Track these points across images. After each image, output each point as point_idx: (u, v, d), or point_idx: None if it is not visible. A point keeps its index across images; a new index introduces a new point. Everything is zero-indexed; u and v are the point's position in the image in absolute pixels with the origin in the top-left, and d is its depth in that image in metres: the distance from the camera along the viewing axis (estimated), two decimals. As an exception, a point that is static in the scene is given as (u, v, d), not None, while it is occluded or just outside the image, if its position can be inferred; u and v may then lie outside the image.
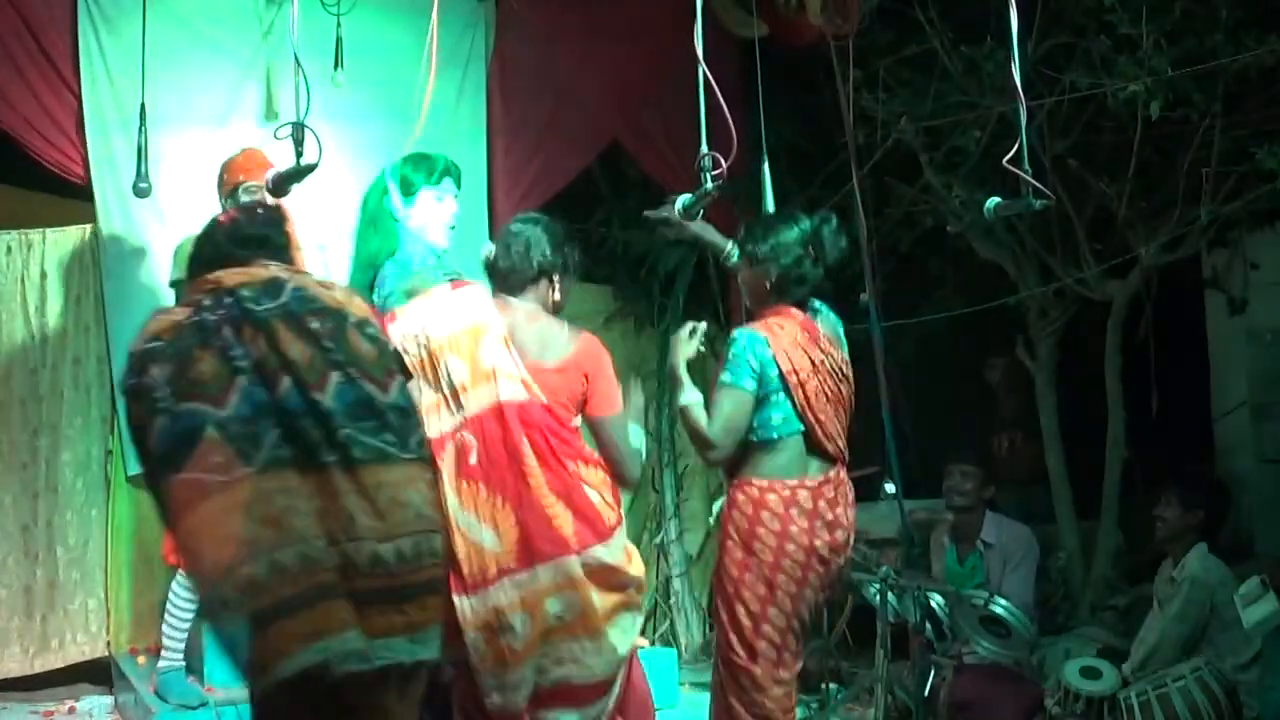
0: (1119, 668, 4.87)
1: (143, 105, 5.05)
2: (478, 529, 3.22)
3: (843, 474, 3.92)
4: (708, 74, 3.39)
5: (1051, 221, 5.89)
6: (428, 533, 2.74)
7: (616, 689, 3.37)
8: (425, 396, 3.26)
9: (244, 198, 4.86)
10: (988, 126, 5.67)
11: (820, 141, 6.44)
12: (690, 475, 6.69)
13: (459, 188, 4.24)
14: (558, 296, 3.55)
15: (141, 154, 5.02)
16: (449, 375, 3.28)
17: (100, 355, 5.52)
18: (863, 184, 5.52)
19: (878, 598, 4.64)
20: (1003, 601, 4.73)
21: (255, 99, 5.65)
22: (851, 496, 3.95)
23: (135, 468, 5.46)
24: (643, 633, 6.05)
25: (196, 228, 4.92)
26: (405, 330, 3.32)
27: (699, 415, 3.71)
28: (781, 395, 3.75)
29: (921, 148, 5.99)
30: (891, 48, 5.98)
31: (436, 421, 3.26)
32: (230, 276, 2.79)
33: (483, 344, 3.31)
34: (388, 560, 2.63)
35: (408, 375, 2.96)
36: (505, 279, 3.51)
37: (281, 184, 3.80)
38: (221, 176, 4.96)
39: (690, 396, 3.73)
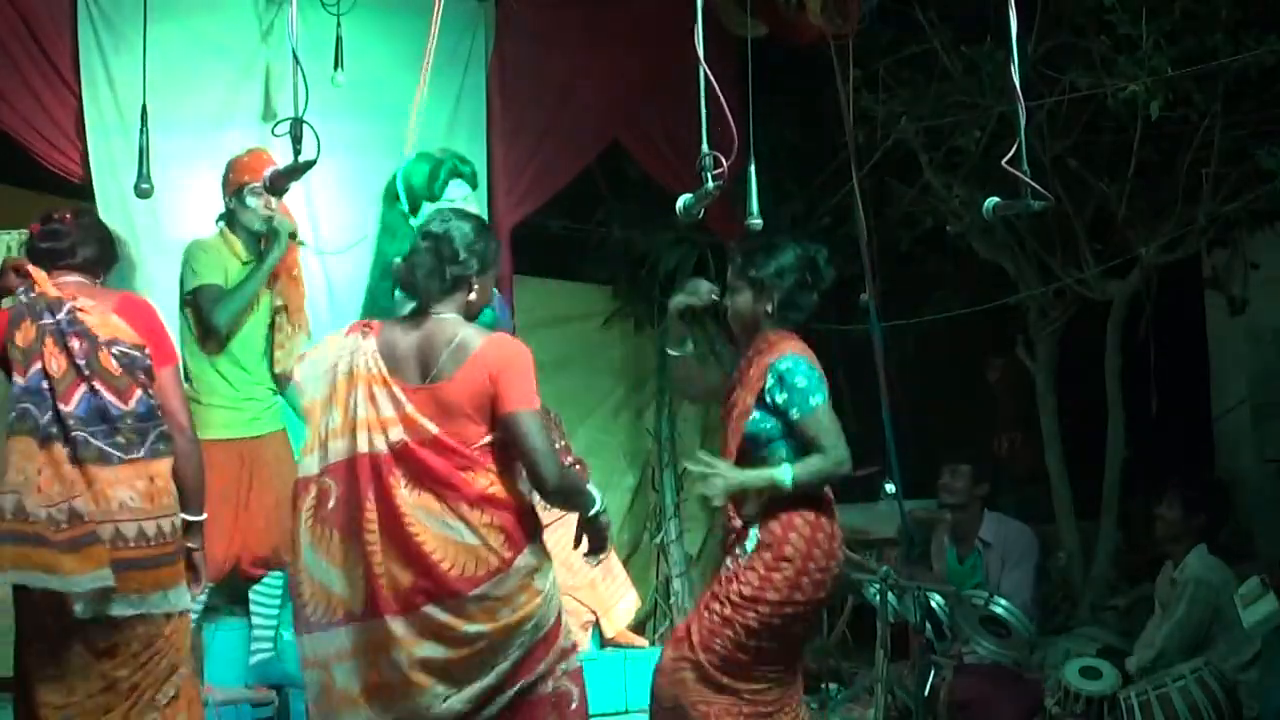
0: (1119, 668, 4.87)
1: (144, 106, 5.04)
2: (325, 572, 3.28)
3: None
4: (709, 74, 3.38)
5: (1051, 221, 5.89)
6: (133, 520, 3.49)
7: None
8: (306, 438, 3.37)
9: (249, 199, 4.86)
10: (988, 126, 5.67)
11: (820, 141, 6.44)
12: (690, 475, 6.69)
13: (473, 185, 4.19)
14: (473, 297, 3.43)
15: (143, 155, 5.02)
16: (325, 422, 3.34)
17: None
18: (863, 184, 5.52)
19: (878, 598, 4.64)
20: (1003, 601, 4.73)
21: (255, 99, 5.64)
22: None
23: None
24: (641, 632, 6.06)
25: (194, 231, 5.04)
26: (305, 375, 3.41)
27: (813, 467, 3.61)
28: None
29: (921, 148, 6.00)
30: (891, 48, 5.99)
31: (307, 462, 3.35)
32: (40, 281, 3.61)
33: (356, 393, 3.30)
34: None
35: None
36: (419, 293, 3.42)
37: (279, 181, 3.80)
38: (227, 176, 4.95)
39: (787, 470, 3.60)
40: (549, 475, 3.29)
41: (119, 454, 3.50)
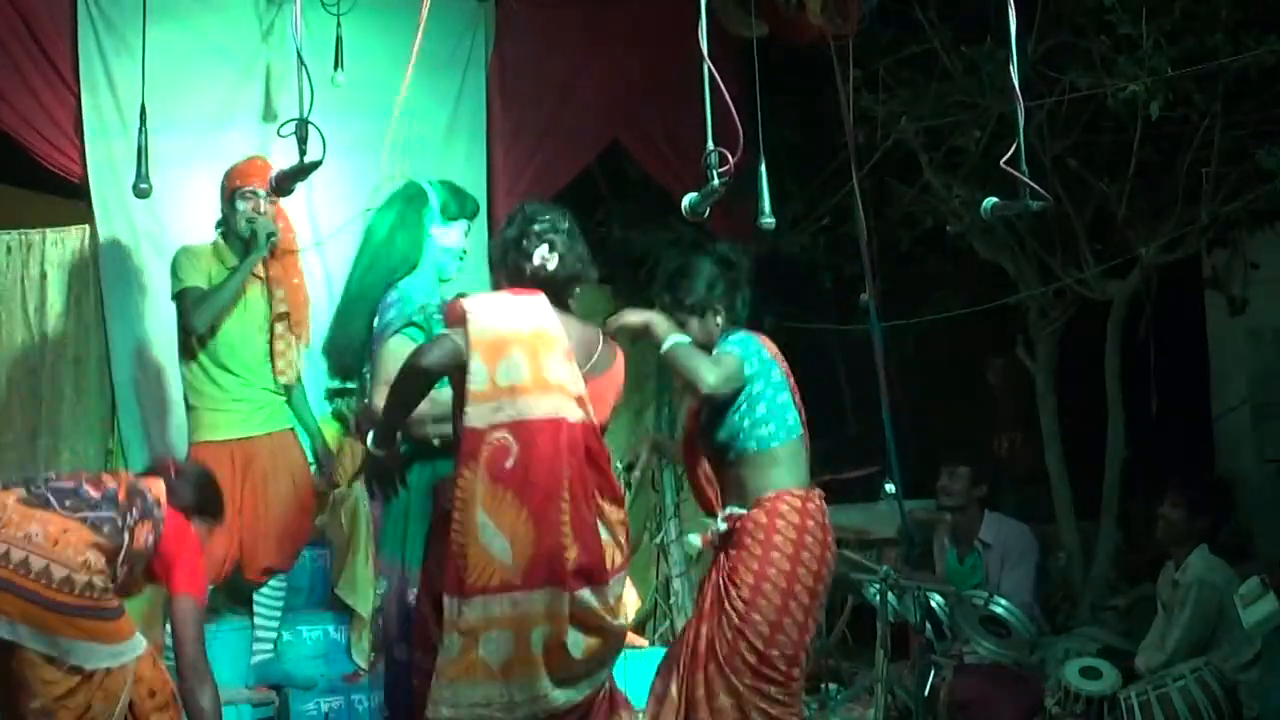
0: (1119, 668, 4.87)
1: (143, 106, 5.04)
2: (492, 534, 3.11)
3: None
4: (714, 71, 3.37)
5: (1051, 221, 5.89)
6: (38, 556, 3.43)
7: None
8: (475, 381, 3.15)
9: (239, 203, 4.87)
10: (988, 126, 5.67)
11: (820, 141, 6.44)
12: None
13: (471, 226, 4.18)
14: (572, 300, 3.48)
15: (142, 155, 5.01)
16: (509, 370, 3.16)
17: (100, 355, 5.51)
18: (863, 184, 5.52)
19: (878, 598, 4.64)
20: (1003, 601, 4.73)
21: (255, 100, 5.64)
22: None
23: (133, 468, 5.48)
24: (642, 632, 6.06)
25: (194, 231, 5.04)
26: (477, 318, 3.20)
27: (695, 353, 3.65)
28: (788, 396, 3.77)
29: (921, 148, 5.99)
30: (891, 48, 5.99)
31: (480, 412, 3.14)
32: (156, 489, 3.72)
33: (551, 353, 3.20)
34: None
35: None
36: (555, 284, 3.38)
37: (284, 182, 3.79)
38: (222, 185, 4.98)
39: (679, 336, 3.66)
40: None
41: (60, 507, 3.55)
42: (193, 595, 3.71)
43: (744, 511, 3.68)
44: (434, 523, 3.45)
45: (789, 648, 3.61)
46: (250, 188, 4.83)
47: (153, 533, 3.64)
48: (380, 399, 3.52)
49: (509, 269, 3.44)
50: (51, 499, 3.54)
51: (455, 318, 3.25)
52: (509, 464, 3.13)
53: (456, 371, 3.19)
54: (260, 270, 4.96)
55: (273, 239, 4.89)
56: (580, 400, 3.22)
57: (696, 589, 4.05)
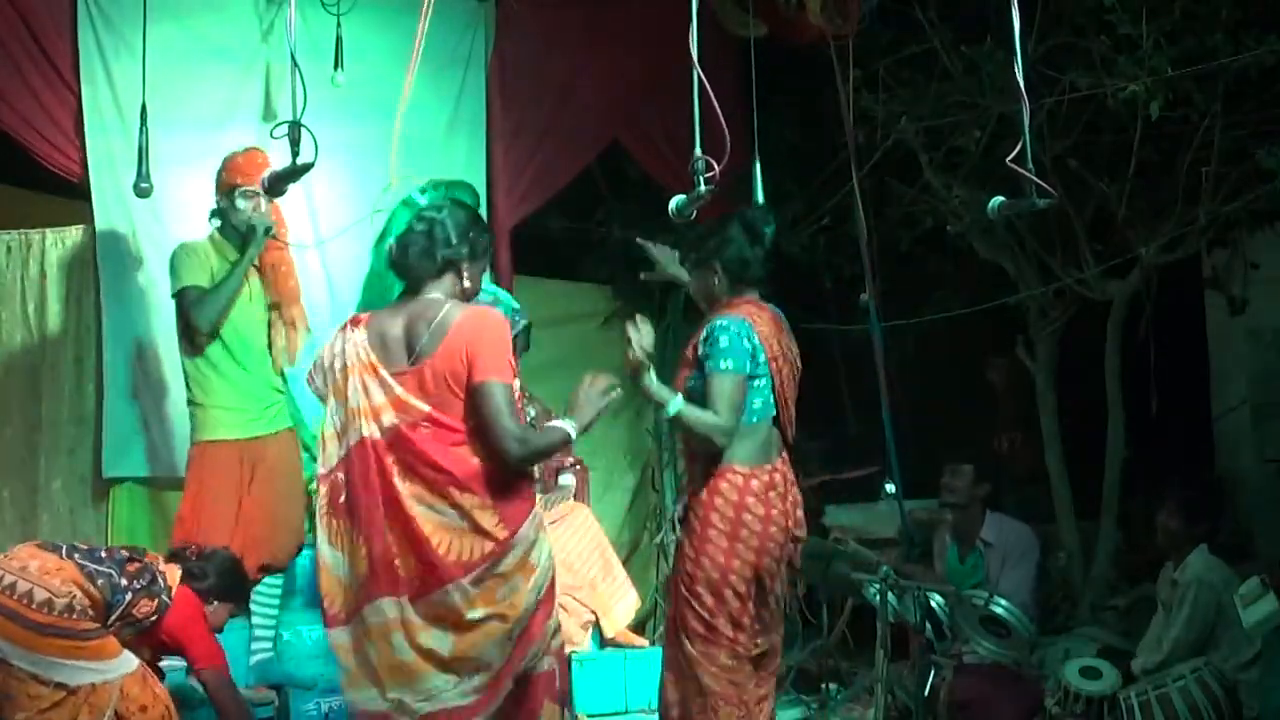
0: (1119, 668, 4.87)
1: (144, 105, 5.04)
2: (339, 564, 3.35)
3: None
4: (702, 77, 3.39)
5: (1051, 221, 5.89)
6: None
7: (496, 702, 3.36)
8: (323, 437, 3.43)
9: (239, 201, 4.85)
10: (988, 126, 5.67)
11: (820, 141, 6.44)
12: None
13: None
14: (466, 284, 3.51)
15: (142, 154, 5.02)
16: (334, 420, 3.40)
17: (101, 355, 5.51)
18: (863, 184, 5.52)
19: (878, 598, 4.64)
20: (1003, 601, 4.73)
21: (254, 99, 5.64)
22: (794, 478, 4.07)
23: (113, 468, 5.47)
24: (641, 632, 6.06)
25: (195, 230, 5.04)
26: (316, 378, 3.48)
27: (697, 413, 3.73)
28: (764, 381, 3.85)
29: (921, 148, 5.99)
30: (891, 48, 5.99)
31: (324, 460, 3.40)
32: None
33: (349, 384, 3.36)
34: None
35: None
36: (408, 274, 3.48)
37: (277, 183, 3.79)
38: (220, 175, 4.94)
39: (678, 402, 3.73)
40: (509, 450, 3.30)
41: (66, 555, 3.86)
42: (215, 668, 4.02)
43: (696, 489, 3.84)
44: None
45: (732, 616, 3.74)
46: (253, 187, 4.81)
47: (155, 613, 3.91)
48: None
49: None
50: (64, 549, 3.88)
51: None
52: (342, 499, 3.36)
53: None
54: (256, 263, 4.94)
55: (270, 233, 4.88)
56: (394, 404, 3.32)
57: None
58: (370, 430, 3.32)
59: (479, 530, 3.28)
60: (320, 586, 3.38)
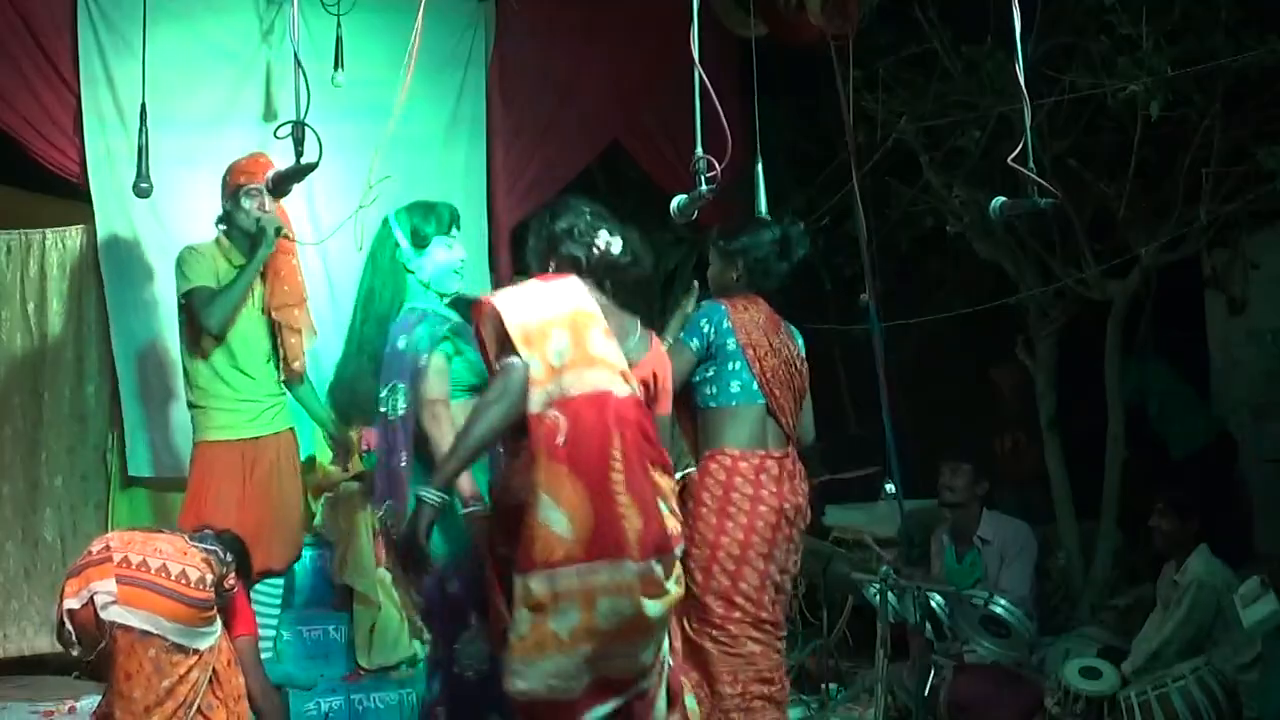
0: (1119, 668, 4.87)
1: (144, 105, 5.04)
2: (551, 510, 3.14)
3: (795, 453, 4.20)
4: (704, 77, 3.39)
5: (1051, 221, 5.88)
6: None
7: (655, 675, 3.32)
8: (534, 370, 3.19)
9: (244, 201, 4.84)
10: (988, 126, 5.67)
11: (820, 141, 6.44)
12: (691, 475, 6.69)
13: (460, 230, 4.07)
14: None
15: (143, 154, 5.01)
16: (555, 351, 3.20)
17: (101, 355, 5.52)
18: (863, 184, 5.52)
19: (878, 598, 4.64)
20: (1002, 601, 4.73)
21: (255, 99, 5.65)
22: (804, 472, 4.22)
23: (135, 468, 5.49)
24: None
25: (195, 231, 5.04)
26: (510, 313, 3.23)
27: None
28: (740, 365, 4.05)
29: (921, 148, 5.99)
30: (891, 48, 5.99)
31: (537, 397, 3.18)
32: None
33: (589, 330, 3.25)
34: None
35: None
36: (616, 270, 3.45)
37: (281, 183, 3.80)
38: (225, 180, 4.94)
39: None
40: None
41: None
42: (252, 635, 4.36)
43: (691, 470, 4.03)
44: (497, 509, 3.42)
45: (722, 593, 3.94)
46: (256, 185, 4.80)
47: (235, 584, 4.24)
48: (433, 418, 3.57)
49: (561, 259, 3.47)
50: (164, 531, 4.20)
51: (487, 315, 3.30)
52: (560, 441, 3.16)
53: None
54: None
55: (280, 232, 4.87)
56: (625, 375, 3.28)
57: None
58: (620, 388, 3.23)
59: (673, 513, 3.33)
60: (527, 529, 3.14)
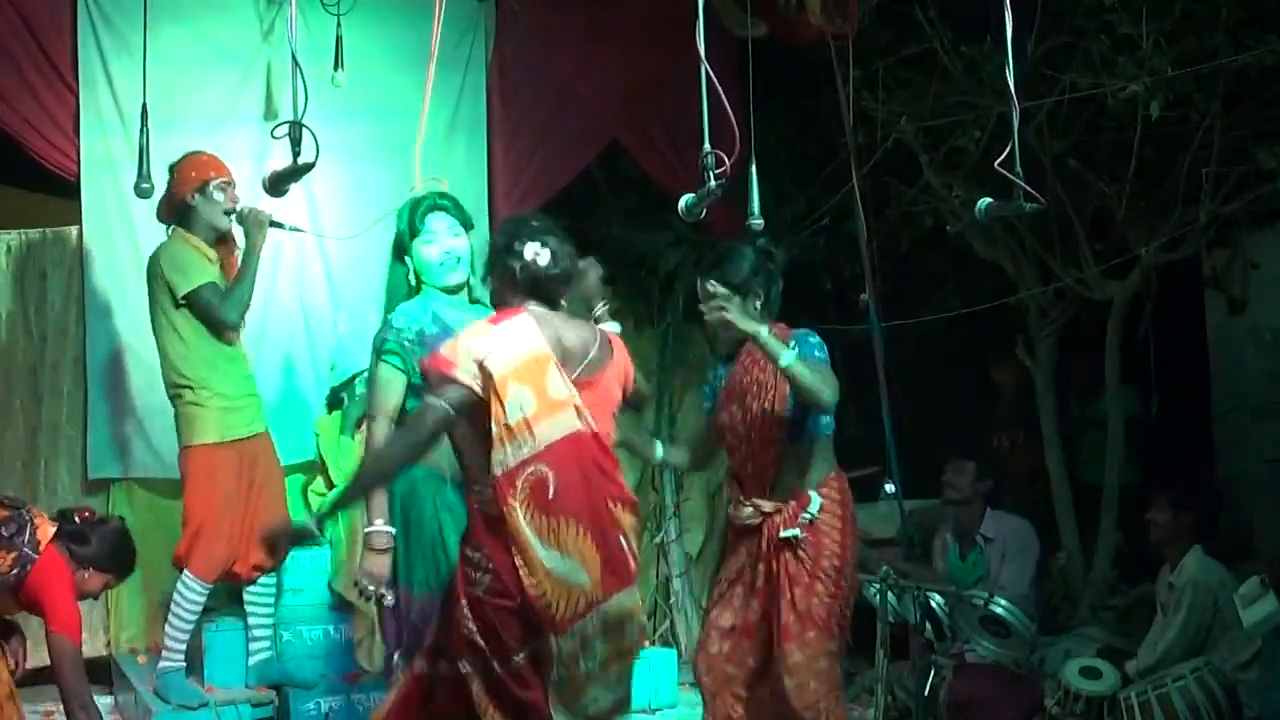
0: (1119, 668, 4.87)
1: (144, 105, 5.04)
2: (566, 565, 3.13)
3: None
4: (711, 73, 3.38)
5: (1051, 221, 5.88)
6: None
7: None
8: (492, 428, 3.15)
9: (216, 194, 4.81)
10: (988, 127, 5.66)
11: (820, 141, 6.44)
12: (690, 475, 6.69)
13: (459, 219, 4.02)
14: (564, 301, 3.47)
15: (143, 154, 5.01)
16: (518, 406, 3.14)
17: (98, 355, 5.51)
18: (863, 184, 5.52)
19: (878, 598, 4.64)
20: (1003, 601, 4.73)
21: (255, 99, 5.65)
22: None
23: (96, 469, 5.47)
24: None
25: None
26: (460, 360, 3.17)
27: (810, 371, 3.77)
28: None
29: (921, 148, 5.99)
30: (891, 48, 5.98)
31: (506, 454, 3.14)
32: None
33: (547, 372, 3.19)
34: None
35: None
36: (548, 283, 3.35)
37: (278, 183, 3.79)
38: (185, 174, 4.82)
39: (789, 354, 3.72)
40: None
41: None
42: (64, 636, 3.89)
43: (809, 494, 3.91)
44: (470, 529, 3.34)
45: (847, 606, 4.00)
46: (224, 179, 4.81)
47: (17, 565, 3.85)
48: (376, 430, 3.68)
49: (499, 274, 3.39)
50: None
51: (444, 369, 3.21)
52: (550, 495, 3.14)
53: (466, 416, 3.19)
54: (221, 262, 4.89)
55: (273, 222, 4.85)
56: (578, 410, 3.22)
57: (728, 573, 4.13)
58: (586, 424, 3.21)
59: (630, 551, 3.29)
60: (540, 597, 3.11)
